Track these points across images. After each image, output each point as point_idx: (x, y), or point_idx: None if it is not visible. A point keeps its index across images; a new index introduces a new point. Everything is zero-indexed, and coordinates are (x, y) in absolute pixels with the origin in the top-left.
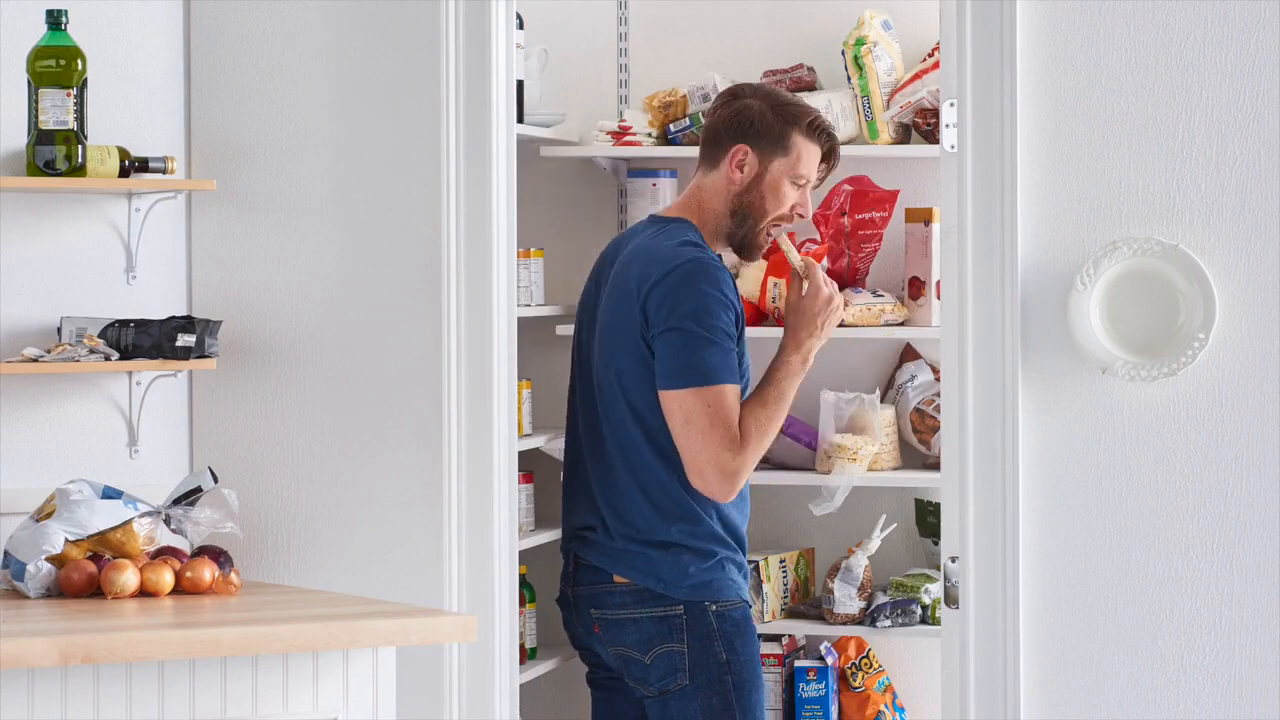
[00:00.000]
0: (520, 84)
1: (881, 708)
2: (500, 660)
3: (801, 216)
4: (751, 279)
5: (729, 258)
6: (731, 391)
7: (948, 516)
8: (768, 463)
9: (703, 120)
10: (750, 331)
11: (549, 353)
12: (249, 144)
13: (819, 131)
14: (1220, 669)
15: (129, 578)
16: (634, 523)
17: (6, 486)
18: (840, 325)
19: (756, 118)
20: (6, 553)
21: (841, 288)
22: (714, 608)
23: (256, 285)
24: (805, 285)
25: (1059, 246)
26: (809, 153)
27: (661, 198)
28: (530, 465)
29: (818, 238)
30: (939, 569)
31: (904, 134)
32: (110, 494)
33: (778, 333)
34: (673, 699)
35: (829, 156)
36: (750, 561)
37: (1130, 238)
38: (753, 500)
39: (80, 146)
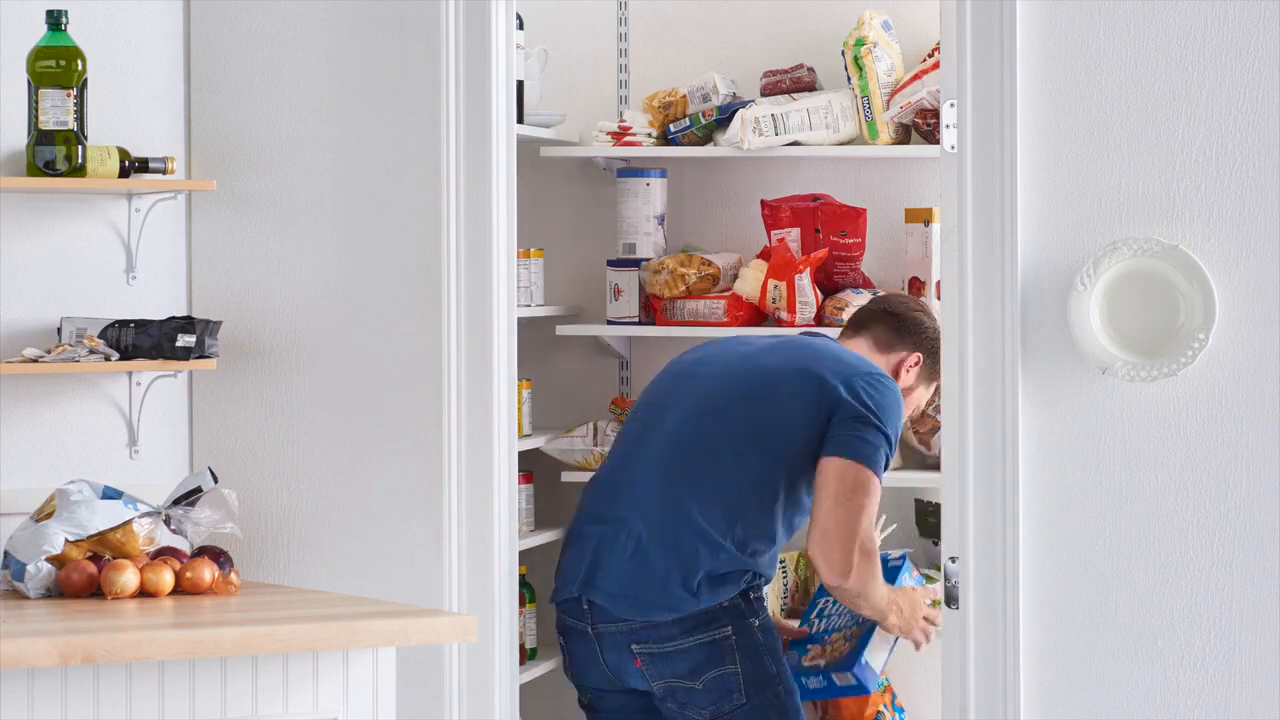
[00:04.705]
0: (520, 84)
1: (881, 708)
2: (500, 660)
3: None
4: (751, 279)
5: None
6: None
7: (948, 516)
8: None
9: (703, 121)
10: (752, 332)
11: (549, 353)
12: (249, 144)
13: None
14: (1220, 669)
15: (129, 578)
16: None
17: (6, 486)
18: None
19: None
20: (6, 553)
21: (839, 290)
22: None
23: (256, 285)
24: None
25: (1059, 246)
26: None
27: (654, 197)
28: (530, 465)
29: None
30: (939, 569)
31: (904, 134)
32: (110, 494)
33: (780, 332)
34: None
35: None
36: None
37: (1130, 238)
38: None
39: (80, 147)
